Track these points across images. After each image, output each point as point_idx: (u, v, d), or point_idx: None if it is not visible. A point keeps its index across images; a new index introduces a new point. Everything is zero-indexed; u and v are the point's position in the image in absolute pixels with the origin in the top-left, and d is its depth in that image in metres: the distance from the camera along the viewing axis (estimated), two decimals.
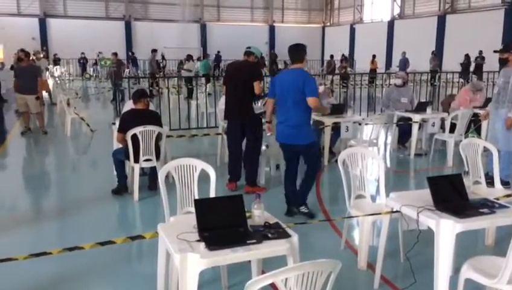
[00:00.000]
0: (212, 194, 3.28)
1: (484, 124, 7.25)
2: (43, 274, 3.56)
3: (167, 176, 3.36)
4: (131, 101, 5.71)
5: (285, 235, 2.53)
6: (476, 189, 3.78)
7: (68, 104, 9.89)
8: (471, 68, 20.00)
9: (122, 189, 5.51)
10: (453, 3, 25.68)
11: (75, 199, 5.55)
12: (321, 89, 6.84)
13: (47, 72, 17.40)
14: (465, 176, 3.63)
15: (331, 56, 23.59)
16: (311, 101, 4.44)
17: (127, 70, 20.19)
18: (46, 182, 6.65)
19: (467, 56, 20.59)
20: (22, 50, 9.87)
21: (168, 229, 2.72)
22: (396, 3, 29.36)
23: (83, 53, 25.72)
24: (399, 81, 8.20)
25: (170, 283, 2.90)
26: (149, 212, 5.16)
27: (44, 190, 6.27)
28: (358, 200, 3.81)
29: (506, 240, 4.09)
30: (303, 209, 4.75)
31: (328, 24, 36.37)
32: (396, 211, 3.18)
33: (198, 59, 22.68)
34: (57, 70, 22.14)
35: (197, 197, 3.21)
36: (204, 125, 9.88)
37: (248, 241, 2.43)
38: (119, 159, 5.50)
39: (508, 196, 3.80)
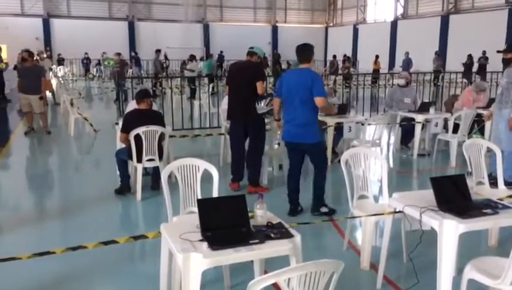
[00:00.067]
0: (215, 194, 3.28)
1: (488, 125, 7.23)
2: (47, 273, 3.57)
3: (170, 176, 3.36)
4: (135, 101, 5.73)
5: (288, 235, 2.53)
6: (479, 189, 3.78)
7: (71, 104, 9.91)
8: (474, 68, 19.95)
9: (125, 189, 5.52)
10: (457, 3, 25.62)
11: (78, 199, 5.56)
12: None
13: (50, 72, 17.46)
14: (468, 177, 3.62)
15: (334, 56, 23.57)
16: (319, 100, 4.48)
17: (130, 71, 20.22)
18: (49, 182, 6.67)
19: (470, 56, 20.54)
20: (27, 50, 9.90)
21: (171, 229, 2.72)
22: (400, 3, 29.31)
23: (86, 53, 25.78)
24: (402, 82, 8.19)
25: (173, 282, 2.91)
26: (152, 212, 5.16)
27: (48, 189, 6.29)
28: (361, 200, 3.81)
29: (509, 240, 4.10)
30: (323, 209, 4.77)
31: (331, 24, 36.33)
32: (399, 212, 3.18)
33: (201, 59, 22.70)
34: (61, 71, 22.20)
35: (199, 197, 3.21)
36: (207, 126, 9.89)
37: (251, 241, 2.43)
38: (122, 159, 5.51)
39: (511, 196, 3.79)
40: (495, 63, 19.21)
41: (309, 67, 4.68)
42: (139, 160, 5.34)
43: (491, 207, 3.00)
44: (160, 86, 14.69)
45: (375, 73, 19.31)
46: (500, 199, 3.35)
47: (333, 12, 36.19)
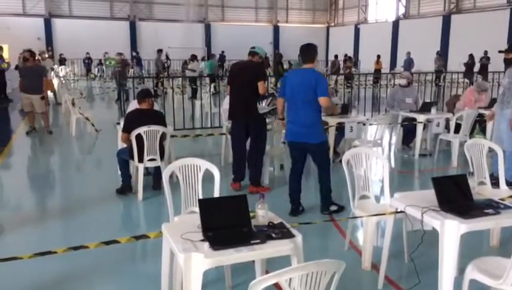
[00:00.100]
0: (216, 194, 3.28)
1: (489, 125, 7.22)
2: (48, 273, 3.57)
3: (171, 176, 3.37)
4: (136, 101, 5.73)
5: (289, 235, 2.53)
6: (481, 190, 3.77)
7: (73, 104, 9.93)
8: (476, 68, 19.91)
9: (126, 189, 5.53)
10: (458, 3, 25.59)
11: (79, 199, 5.57)
12: None
13: (52, 72, 17.47)
14: (470, 177, 3.62)
15: (336, 56, 23.56)
16: (323, 100, 4.50)
17: (131, 71, 20.24)
18: (50, 182, 6.68)
19: (471, 56, 20.51)
20: (28, 50, 9.92)
21: (172, 228, 2.72)
22: (401, 3, 29.29)
23: (87, 53, 25.82)
24: (404, 82, 8.18)
25: (174, 282, 2.91)
26: (153, 212, 5.17)
27: (49, 189, 6.30)
28: (362, 200, 3.80)
29: (511, 240, 4.10)
30: (333, 207, 4.80)
31: (333, 24, 36.32)
32: (401, 212, 3.18)
33: (203, 59, 22.70)
34: (62, 70, 22.22)
35: (201, 197, 3.21)
36: (209, 125, 9.89)
37: (252, 241, 2.43)
38: (124, 158, 5.51)
39: None
40: (497, 63, 19.16)
41: (313, 67, 4.70)
42: (141, 160, 5.35)
43: (493, 207, 3.00)
44: (161, 86, 14.70)
45: (377, 73, 19.28)
46: (502, 199, 3.35)
47: (334, 12, 36.18)
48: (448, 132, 7.37)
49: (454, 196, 3.07)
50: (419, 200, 3.07)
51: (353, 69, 21.02)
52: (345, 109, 7.32)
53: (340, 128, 6.93)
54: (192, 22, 31.17)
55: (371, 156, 3.87)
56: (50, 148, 8.85)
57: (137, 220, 5.22)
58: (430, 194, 3.04)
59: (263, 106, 5.27)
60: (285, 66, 23.92)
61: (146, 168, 5.57)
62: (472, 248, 3.73)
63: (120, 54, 16.44)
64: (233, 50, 24.31)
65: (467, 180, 3.20)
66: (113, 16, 30.72)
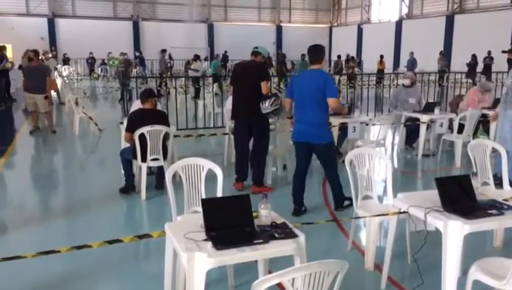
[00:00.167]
0: (219, 194, 3.28)
1: (493, 125, 7.19)
2: (52, 272, 3.59)
3: (174, 176, 3.37)
4: (139, 100, 5.74)
5: (292, 235, 2.53)
6: (485, 190, 3.76)
7: (76, 103, 9.95)
8: (479, 68, 19.86)
9: (129, 188, 5.54)
10: (462, 3, 25.52)
11: (83, 198, 5.58)
12: None
13: (55, 72, 17.52)
14: (474, 177, 3.61)
15: (339, 56, 23.55)
16: (332, 101, 4.55)
17: (134, 70, 20.28)
18: (54, 181, 6.70)
19: (474, 56, 20.45)
20: (33, 50, 9.96)
21: (175, 228, 2.73)
22: (405, 3, 29.23)
23: (91, 53, 25.88)
24: (407, 82, 8.16)
25: (177, 281, 2.91)
26: (156, 212, 5.18)
27: (53, 188, 6.32)
28: (365, 200, 3.80)
29: None
30: (346, 203, 4.84)
31: (336, 24, 36.28)
32: (404, 212, 3.17)
33: (206, 59, 22.71)
34: (65, 70, 22.29)
35: (204, 197, 3.22)
36: (212, 125, 9.90)
37: (255, 241, 2.43)
38: (127, 158, 5.53)
39: None
40: (500, 63, 19.12)
41: (320, 68, 4.73)
42: (144, 159, 5.36)
43: (496, 208, 2.99)
44: (165, 86, 14.71)
45: (380, 73, 19.25)
46: (506, 200, 3.34)
47: (337, 12, 36.13)
48: (452, 132, 7.35)
49: (458, 197, 3.06)
50: (422, 201, 3.07)
51: (356, 69, 20.97)
52: (348, 109, 7.31)
53: (343, 129, 6.93)
54: (195, 22, 31.18)
55: (373, 156, 3.87)
56: (53, 148, 8.87)
57: (140, 220, 5.23)
58: (434, 194, 3.04)
59: (266, 106, 5.27)
60: (288, 66, 23.94)
61: (149, 168, 5.58)
62: (475, 249, 3.72)
63: (123, 53, 16.47)
64: (236, 50, 24.31)
65: (471, 180, 3.20)
66: (116, 16, 30.78)
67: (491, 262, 2.74)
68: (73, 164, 7.62)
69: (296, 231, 2.56)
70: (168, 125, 5.55)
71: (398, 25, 29.28)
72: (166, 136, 5.49)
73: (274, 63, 25.54)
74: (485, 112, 7.50)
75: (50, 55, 19.07)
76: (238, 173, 5.68)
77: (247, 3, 33.25)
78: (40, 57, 10.59)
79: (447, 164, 7.27)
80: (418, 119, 7.43)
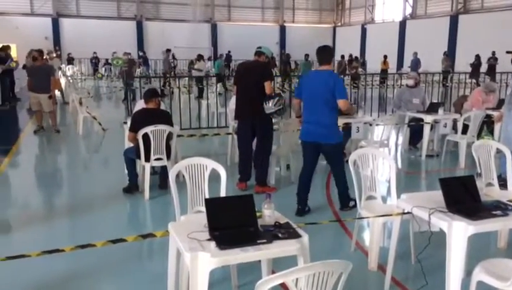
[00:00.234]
0: (223, 194, 3.28)
1: (497, 126, 7.17)
2: (56, 271, 3.60)
3: (178, 175, 3.37)
4: (143, 100, 5.75)
5: (295, 235, 2.52)
6: (489, 191, 3.74)
7: (80, 103, 9.98)
8: (483, 69, 19.79)
9: (133, 188, 5.55)
10: (466, 3, 25.43)
11: (86, 197, 5.60)
12: None
13: (59, 72, 17.57)
14: (478, 178, 3.59)
15: (342, 56, 23.51)
16: (342, 103, 4.58)
17: (138, 70, 20.32)
18: (58, 180, 6.72)
19: (478, 57, 20.38)
20: (37, 50, 9.99)
21: (179, 228, 2.73)
22: (408, 3, 29.15)
23: (95, 52, 25.94)
24: (411, 82, 8.14)
25: (180, 281, 2.92)
26: (160, 211, 5.18)
27: (57, 188, 6.34)
28: (369, 201, 3.79)
29: None
30: (352, 203, 4.83)
31: (339, 24, 36.22)
32: (408, 213, 3.16)
33: (209, 59, 22.71)
34: (69, 70, 22.34)
35: (207, 197, 3.22)
36: (215, 125, 9.90)
37: (258, 241, 2.43)
38: (130, 158, 5.53)
39: None
40: (504, 63, 19.06)
41: (330, 68, 4.79)
42: (147, 159, 5.36)
43: (501, 209, 2.98)
44: (168, 86, 14.74)
45: (384, 73, 19.21)
46: (510, 201, 3.31)
47: (341, 12, 36.08)
48: (456, 132, 7.33)
49: (462, 197, 3.05)
50: (426, 201, 3.06)
51: (360, 70, 20.95)
52: None
53: (347, 129, 6.91)
54: (199, 22, 31.21)
55: (377, 157, 3.86)
56: (57, 147, 8.90)
57: (144, 219, 5.24)
58: (438, 195, 3.03)
59: (270, 106, 5.27)
60: (292, 66, 23.92)
61: (153, 168, 5.59)
62: (480, 250, 3.71)
63: (127, 53, 16.51)
64: (240, 50, 24.30)
65: (475, 181, 3.18)
66: (120, 16, 30.83)
67: (495, 263, 2.73)
68: (77, 164, 7.64)
69: (300, 231, 2.56)
70: (171, 125, 5.55)
71: (402, 25, 29.21)
72: (169, 136, 5.49)
73: (277, 63, 25.55)
74: (490, 112, 7.47)
75: (54, 55, 19.12)
76: (241, 173, 5.68)
77: (250, 3, 33.24)
78: (44, 57, 10.63)
79: (451, 165, 7.25)
80: (421, 120, 7.41)
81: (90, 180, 6.46)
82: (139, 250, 4.14)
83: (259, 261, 3.02)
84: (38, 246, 3.12)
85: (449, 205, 2.94)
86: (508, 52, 19.55)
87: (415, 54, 21.98)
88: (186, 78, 16.04)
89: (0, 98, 12.69)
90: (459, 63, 23.29)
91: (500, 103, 7.53)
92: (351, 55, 24.14)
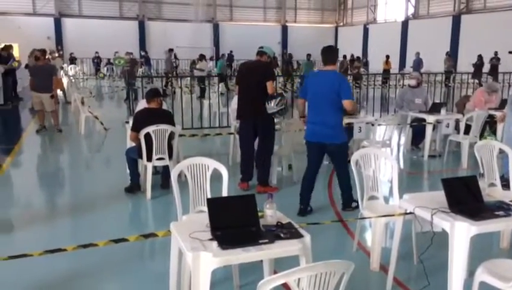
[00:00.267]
0: (225, 194, 3.28)
1: (500, 126, 7.15)
2: (58, 270, 3.60)
3: (180, 175, 3.37)
4: (145, 100, 5.75)
5: (297, 235, 2.52)
6: (491, 191, 3.73)
7: (82, 102, 9.99)
8: (485, 69, 19.75)
9: (135, 187, 5.55)
10: (468, 3, 25.37)
11: (88, 197, 5.60)
12: None
13: (61, 71, 17.59)
14: (480, 178, 3.58)
15: (344, 56, 23.49)
16: (347, 103, 4.59)
17: (140, 70, 20.33)
18: (60, 180, 6.72)
19: (480, 57, 20.34)
20: (40, 49, 10.01)
21: (181, 227, 2.73)
22: (411, 3, 29.10)
23: (97, 52, 25.97)
24: (413, 82, 8.13)
25: (182, 281, 2.91)
26: (161, 211, 5.19)
27: (59, 187, 6.35)
28: (371, 201, 3.79)
29: None
30: (354, 204, 4.83)
31: (341, 24, 36.19)
32: (410, 213, 3.16)
33: (211, 59, 22.71)
34: (71, 70, 22.38)
35: (209, 197, 3.22)
36: (217, 125, 9.91)
37: (260, 241, 2.43)
38: (132, 157, 5.54)
39: None
40: (507, 63, 19.02)
41: (335, 68, 4.79)
42: (149, 159, 5.37)
43: (504, 209, 2.97)
44: (170, 86, 14.74)
45: (386, 73, 19.18)
46: None
47: (343, 12, 36.04)
48: (458, 133, 7.31)
49: (465, 198, 3.04)
50: (428, 202, 3.05)
51: (362, 70, 20.92)
52: None
53: (349, 129, 6.90)
54: (201, 22, 31.20)
55: (379, 157, 3.85)
56: (59, 147, 8.92)
57: (146, 219, 5.24)
58: (440, 195, 3.02)
59: (272, 106, 5.26)
60: (295, 66, 23.91)
61: (154, 167, 5.59)
62: (482, 250, 3.69)
63: (129, 53, 16.52)
64: (242, 50, 24.29)
65: (477, 181, 3.18)
66: (122, 16, 30.86)
67: (498, 264, 2.72)
68: (79, 163, 7.65)
69: (302, 231, 2.56)
70: (173, 124, 5.55)
71: (404, 25, 29.16)
72: (171, 136, 5.50)
73: (279, 63, 25.54)
74: (492, 112, 7.45)
75: (56, 55, 19.17)
76: (243, 173, 5.68)
77: (252, 3, 33.23)
78: (46, 57, 10.65)
79: (453, 165, 7.23)
80: (424, 120, 7.39)
81: (92, 180, 6.47)
82: (141, 250, 4.15)
83: (261, 261, 3.02)
84: (41, 246, 3.13)
85: (451, 206, 2.94)
86: (510, 52, 19.52)
87: (417, 54, 21.95)
88: (188, 78, 16.04)
89: (3, 97, 12.72)
90: (461, 63, 23.23)
91: (503, 103, 7.51)
92: (352, 55, 24.11)
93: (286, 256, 2.48)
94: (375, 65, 24.21)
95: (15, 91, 14.37)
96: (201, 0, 31.11)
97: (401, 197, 3.39)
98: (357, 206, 4.75)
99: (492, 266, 2.67)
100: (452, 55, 23.03)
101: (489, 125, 7.57)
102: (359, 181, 3.73)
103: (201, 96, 13.76)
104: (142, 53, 25.98)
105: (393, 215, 3.38)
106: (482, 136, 7.12)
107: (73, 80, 18.23)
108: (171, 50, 19.56)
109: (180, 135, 6.04)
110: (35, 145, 8.86)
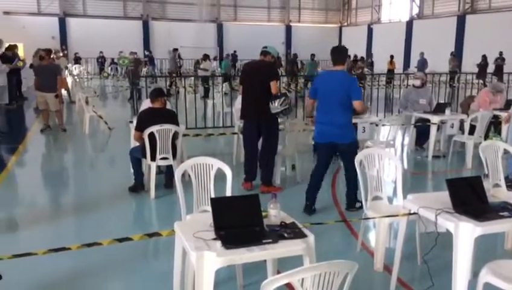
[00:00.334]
0: (228, 193, 3.28)
1: (505, 127, 7.12)
2: (62, 269, 3.61)
3: (183, 175, 3.38)
4: (149, 99, 5.76)
5: (301, 235, 2.52)
6: (496, 192, 3.71)
7: (86, 102, 10.01)
8: (490, 69, 19.66)
9: (139, 187, 5.56)
10: (473, 3, 25.28)
11: (92, 196, 5.62)
12: None
13: (66, 71, 17.64)
14: (485, 179, 3.57)
15: (348, 56, 23.41)
16: (357, 104, 4.61)
17: (144, 70, 20.37)
18: (64, 179, 6.75)
19: (484, 57, 20.26)
20: (45, 49, 10.04)
21: (185, 227, 2.73)
22: (415, 3, 29.03)
23: (101, 52, 26.05)
24: (417, 82, 8.11)
25: (186, 280, 2.92)
26: (165, 210, 5.19)
27: (63, 186, 6.37)
28: (375, 201, 3.78)
29: None
30: (358, 205, 4.83)
31: (346, 24, 36.13)
32: (414, 213, 3.15)
33: (215, 59, 22.72)
34: (76, 69, 22.45)
35: (213, 196, 3.22)
36: (221, 125, 9.91)
37: (264, 241, 2.43)
38: (136, 157, 5.55)
39: None
40: None
41: (343, 69, 4.80)
42: (153, 158, 5.38)
43: (508, 210, 2.96)
44: (174, 85, 14.76)
45: (390, 73, 19.14)
46: None
47: (347, 12, 35.99)
48: (463, 133, 7.29)
49: (469, 198, 3.03)
50: (432, 202, 3.04)
51: (366, 70, 20.88)
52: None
53: None
54: (205, 22, 31.23)
55: (383, 157, 3.84)
56: (64, 146, 8.94)
57: (150, 218, 5.25)
58: (444, 196, 3.01)
59: (275, 106, 5.26)
60: (300, 66, 23.87)
61: (158, 167, 5.60)
62: (486, 251, 3.68)
63: (133, 53, 16.55)
64: (246, 50, 24.30)
65: (482, 182, 3.16)
66: (126, 16, 30.94)
67: (503, 265, 2.71)
68: (83, 163, 7.67)
69: (306, 231, 2.56)
70: (177, 124, 5.56)
71: (409, 25, 29.09)
72: (175, 135, 5.50)
73: (283, 63, 25.51)
74: (497, 113, 7.42)
75: (61, 54, 19.22)
76: (247, 173, 5.68)
77: (256, 3, 33.23)
78: (51, 56, 10.67)
79: (457, 165, 7.21)
80: (428, 120, 7.37)
81: (96, 179, 6.49)
82: (145, 249, 4.16)
83: (265, 261, 3.02)
84: (45, 244, 3.14)
85: (456, 206, 2.93)
86: None
87: (422, 54, 21.88)
88: (192, 78, 16.05)
89: (8, 97, 12.75)
90: (466, 63, 23.15)
91: (508, 104, 7.48)
92: (356, 56, 24.06)
93: (290, 256, 2.48)
94: (380, 65, 24.15)
95: (20, 91, 14.42)
96: (206, 0, 31.14)
97: (405, 197, 3.38)
98: (361, 207, 4.76)
99: (497, 267, 2.65)
100: (457, 55, 22.95)
101: (494, 126, 7.54)
102: (363, 181, 3.72)
103: (205, 96, 13.78)
104: (146, 53, 26.04)
105: (397, 215, 3.37)
106: (486, 136, 7.10)
107: (77, 80, 18.27)
108: (175, 50, 19.59)
109: (184, 135, 6.04)
110: (40, 144, 8.90)
